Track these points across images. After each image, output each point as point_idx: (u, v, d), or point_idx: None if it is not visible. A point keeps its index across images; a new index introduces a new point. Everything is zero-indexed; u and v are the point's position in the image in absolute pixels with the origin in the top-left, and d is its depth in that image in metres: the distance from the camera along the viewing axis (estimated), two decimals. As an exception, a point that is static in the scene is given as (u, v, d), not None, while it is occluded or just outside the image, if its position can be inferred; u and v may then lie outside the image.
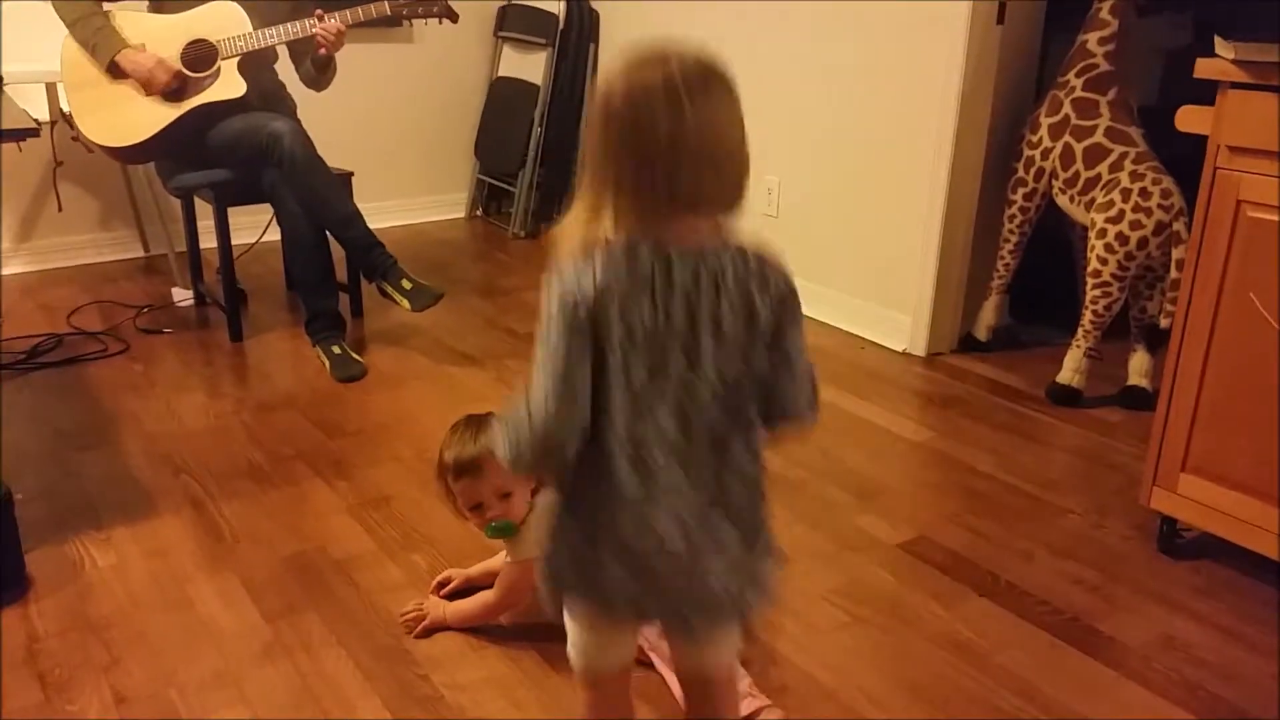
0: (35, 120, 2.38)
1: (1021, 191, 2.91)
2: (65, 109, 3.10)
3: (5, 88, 2.82)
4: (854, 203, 3.24)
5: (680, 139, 1.01)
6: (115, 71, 2.87)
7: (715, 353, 1.07)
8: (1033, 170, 2.86)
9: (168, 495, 2.21)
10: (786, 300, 1.10)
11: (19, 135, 2.35)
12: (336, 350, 2.90)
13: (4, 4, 3.38)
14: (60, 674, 1.65)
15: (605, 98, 1.05)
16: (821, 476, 2.35)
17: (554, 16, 4.17)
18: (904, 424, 2.65)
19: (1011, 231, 2.98)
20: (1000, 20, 2.85)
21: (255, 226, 3.39)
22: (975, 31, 2.81)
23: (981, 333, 3.12)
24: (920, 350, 3.09)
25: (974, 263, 3.09)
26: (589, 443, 1.09)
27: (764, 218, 3.56)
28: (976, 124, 2.93)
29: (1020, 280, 3.08)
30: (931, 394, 2.86)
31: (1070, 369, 2.76)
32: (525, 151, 4.27)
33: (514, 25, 4.43)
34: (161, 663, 1.68)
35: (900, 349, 3.13)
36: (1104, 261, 2.63)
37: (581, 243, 1.08)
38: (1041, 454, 2.50)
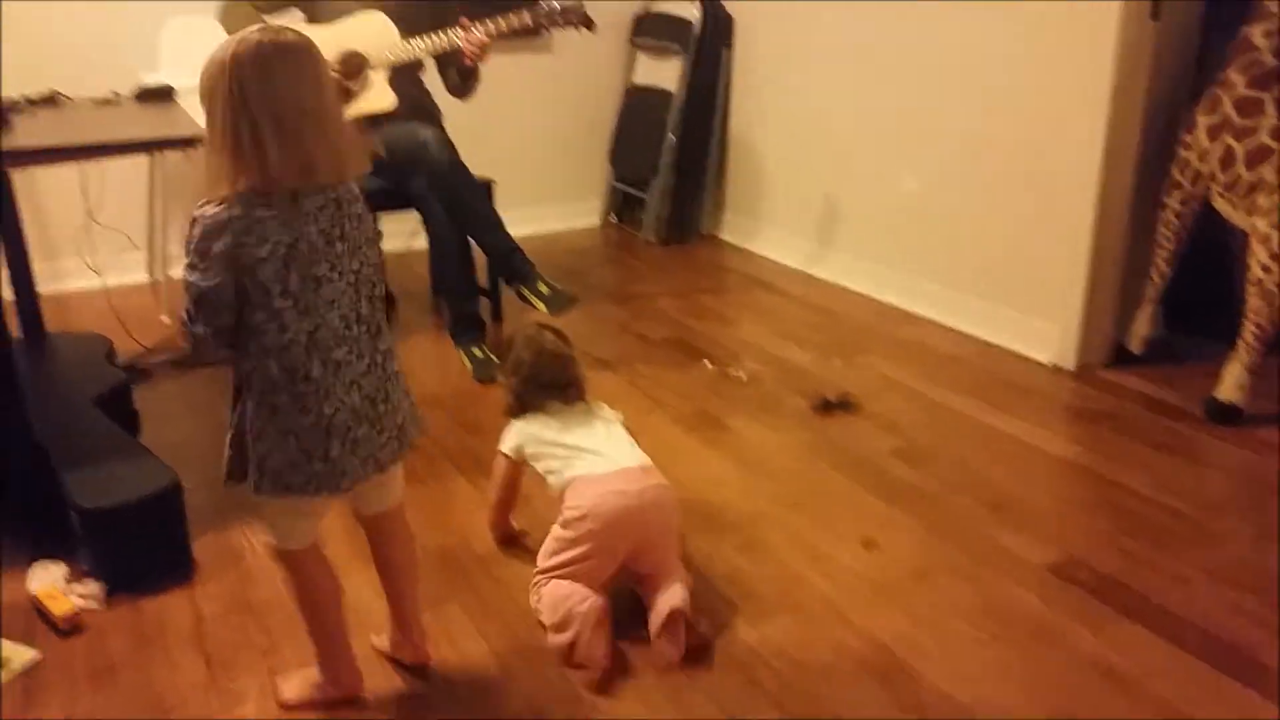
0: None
1: (1177, 195, 2.78)
2: (231, 121, 3.28)
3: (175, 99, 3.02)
4: (998, 206, 3.15)
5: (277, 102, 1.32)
6: None
7: (349, 258, 1.42)
8: (1190, 173, 2.73)
9: (322, 488, 2.31)
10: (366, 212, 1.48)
11: (191, 143, 2.52)
12: (478, 353, 3.00)
13: (171, 21, 3.60)
14: (223, 654, 1.76)
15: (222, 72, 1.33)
16: (960, 491, 2.29)
17: (689, 23, 4.20)
18: (1050, 439, 2.56)
19: (1167, 238, 2.84)
20: (1155, 16, 2.73)
21: (403, 234, 3.53)
22: (1128, 28, 2.70)
23: (1134, 344, 2.99)
24: (1069, 362, 2.98)
25: (1126, 270, 2.97)
26: (271, 355, 1.39)
27: (904, 224, 3.50)
28: (1129, 125, 2.81)
29: (1176, 289, 2.94)
30: (1080, 408, 2.75)
31: (1230, 384, 2.62)
32: (658, 158, 4.31)
33: (649, 32, 4.48)
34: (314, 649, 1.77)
35: (1047, 360, 3.02)
36: (1267, 269, 2.48)
37: (219, 194, 1.35)
38: (1199, 474, 2.38)
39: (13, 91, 2.67)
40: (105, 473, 2.04)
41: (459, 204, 3.01)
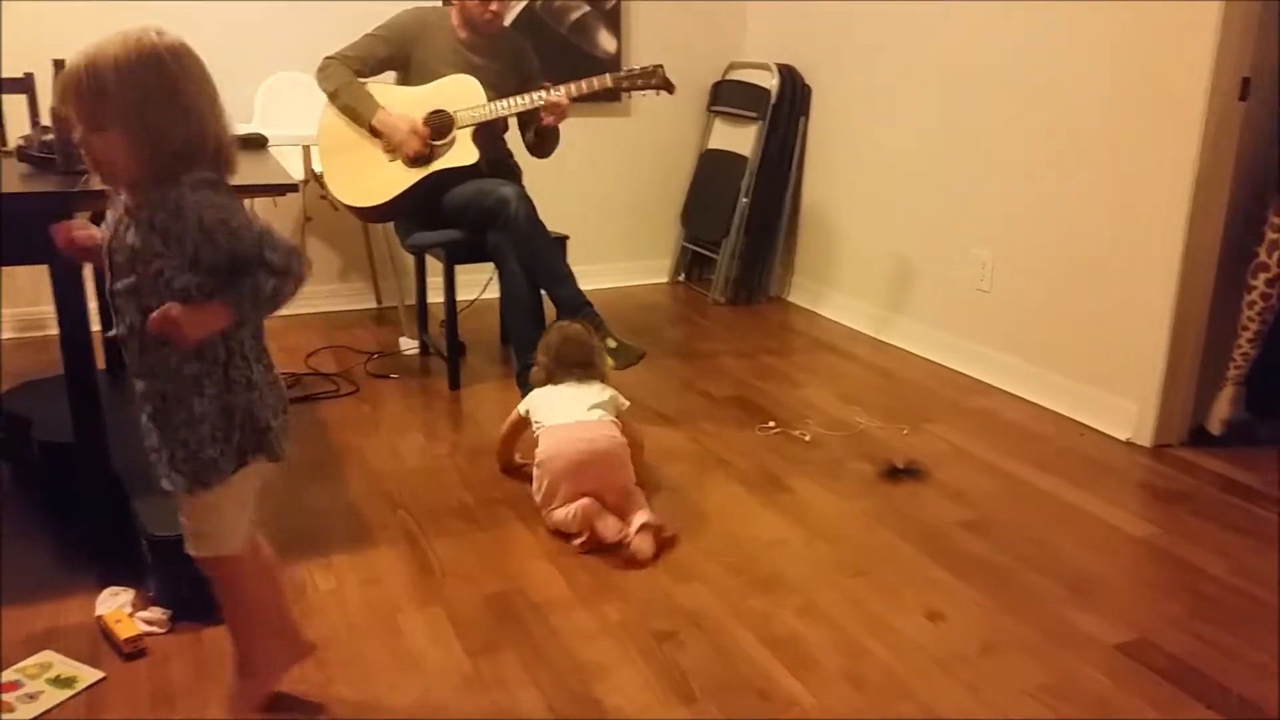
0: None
1: (1263, 277, 2.71)
2: (317, 170, 3.40)
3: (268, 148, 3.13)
4: (1075, 280, 3.10)
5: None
6: (375, 132, 3.14)
7: None
8: (1276, 255, 2.66)
9: (385, 528, 2.35)
10: None
11: (280, 190, 2.61)
12: (543, 403, 3.02)
13: (269, 78, 3.76)
14: (278, 689, 1.77)
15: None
16: (1031, 566, 2.23)
17: (767, 91, 4.26)
18: (1125, 518, 2.48)
19: (1251, 319, 2.77)
20: (1243, 97, 2.69)
21: (474, 284, 3.60)
22: (1214, 107, 2.66)
23: (1214, 426, 2.90)
24: (1146, 440, 2.90)
25: (1208, 349, 2.89)
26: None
27: (976, 293, 3.47)
28: (1214, 203, 2.76)
29: (1259, 371, 2.85)
30: (1156, 487, 2.67)
31: (1318, 471, 2.52)
32: (730, 220, 4.35)
33: (727, 100, 4.55)
34: (370, 687, 1.78)
35: (1124, 438, 2.94)
36: (1362, 355, 2.40)
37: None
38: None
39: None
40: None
41: (532, 258, 3.07)
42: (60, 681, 1.74)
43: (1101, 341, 3.03)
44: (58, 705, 1.69)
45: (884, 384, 3.44)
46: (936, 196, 3.64)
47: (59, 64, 2.29)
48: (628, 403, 2.52)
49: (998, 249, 3.38)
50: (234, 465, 1.50)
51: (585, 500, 2.24)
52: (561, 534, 2.30)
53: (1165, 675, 1.84)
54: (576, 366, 2.52)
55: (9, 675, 1.75)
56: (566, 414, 2.38)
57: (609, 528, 2.23)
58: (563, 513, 2.28)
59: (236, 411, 1.48)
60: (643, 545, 2.20)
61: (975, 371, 3.46)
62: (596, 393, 2.47)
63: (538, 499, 2.35)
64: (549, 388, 2.50)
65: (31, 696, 1.70)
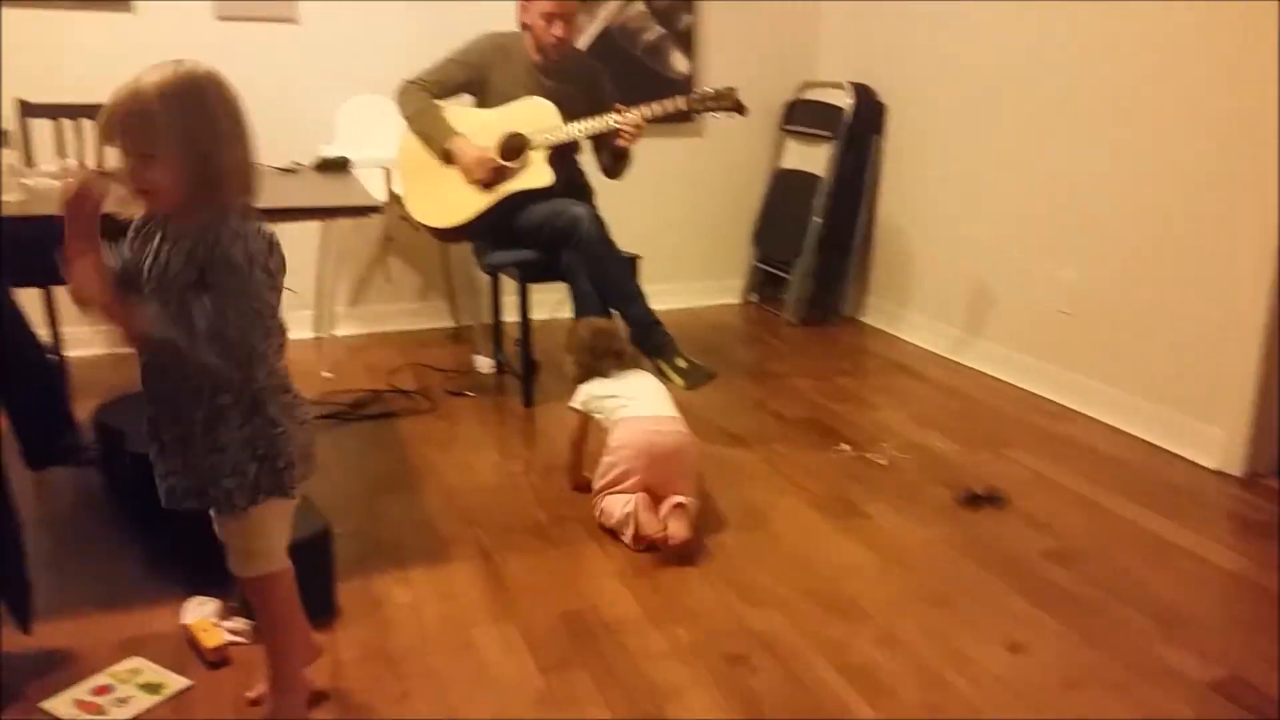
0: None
1: (1366, 300, 2.60)
2: (397, 191, 3.48)
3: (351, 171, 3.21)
4: (1160, 302, 3.01)
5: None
6: (447, 157, 3.20)
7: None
8: (1381, 277, 2.55)
9: (461, 544, 2.38)
10: None
11: (364, 211, 2.68)
12: (615, 422, 3.03)
13: (349, 101, 3.84)
14: (356, 699, 1.80)
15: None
16: (1116, 598, 2.16)
17: (840, 110, 4.24)
18: (1215, 549, 2.39)
19: (1352, 344, 2.66)
20: (1343, 112, 2.60)
21: (550, 303, 3.64)
22: (1313, 125, 2.57)
23: (1310, 455, 2.79)
24: (1236, 469, 2.79)
25: (1304, 376, 2.78)
26: (280, 357, 1.53)
27: (1058, 314, 3.39)
28: (1311, 224, 2.67)
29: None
30: (1247, 518, 2.57)
31: None
32: (802, 240, 4.33)
33: (800, 119, 4.54)
34: (445, 700, 1.80)
35: (1213, 466, 2.84)
36: None
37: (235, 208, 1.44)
38: (1386, 598, 2.18)
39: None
40: (262, 514, 2.13)
41: (604, 277, 3.09)
42: (149, 687, 1.80)
43: (1188, 365, 2.93)
44: (146, 710, 1.74)
45: (962, 407, 3.38)
46: (1016, 216, 3.58)
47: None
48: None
49: (1082, 270, 3.30)
50: (248, 501, 1.54)
51: (640, 494, 2.33)
52: (607, 529, 2.40)
53: (1259, 714, 1.77)
54: (610, 355, 2.60)
55: (102, 679, 1.81)
56: (650, 407, 2.47)
57: (649, 522, 2.30)
58: (614, 500, 2.36)
59: (259, 445, 1.52)
60: (676, 528, 2.29)
61: (1056, 395, 3.38)
62: (663, 388, 2.58)
63: (598, 484, 2.43)
64: (600, 381, 2.57)
65: (122, 701, 1.76)
